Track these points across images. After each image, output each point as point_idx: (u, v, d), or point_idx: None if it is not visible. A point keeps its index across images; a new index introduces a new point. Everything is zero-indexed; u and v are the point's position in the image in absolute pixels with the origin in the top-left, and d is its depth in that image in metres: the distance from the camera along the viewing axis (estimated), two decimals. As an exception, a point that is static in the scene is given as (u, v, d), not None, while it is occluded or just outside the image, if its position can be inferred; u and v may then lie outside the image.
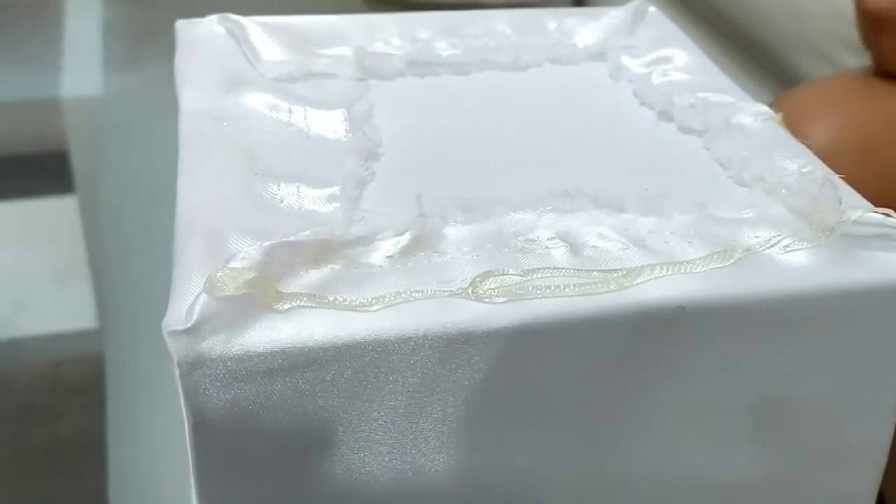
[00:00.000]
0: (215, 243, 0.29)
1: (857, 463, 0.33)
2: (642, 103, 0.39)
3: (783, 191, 0.32)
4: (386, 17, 0.43)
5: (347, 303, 0.27)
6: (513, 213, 0.31)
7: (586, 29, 0.43)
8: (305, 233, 0.29)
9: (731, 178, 0.34)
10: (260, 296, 0.26)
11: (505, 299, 0.27)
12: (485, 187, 0.32)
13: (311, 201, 0.31)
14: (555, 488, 0.30)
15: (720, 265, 0.29)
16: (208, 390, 0.26)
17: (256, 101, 0.37)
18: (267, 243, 0.28)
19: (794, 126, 0.37)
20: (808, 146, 0.35)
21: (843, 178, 0.33)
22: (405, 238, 0.29)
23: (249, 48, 0.40)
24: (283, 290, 0.27)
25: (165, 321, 0.26)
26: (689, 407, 0.30)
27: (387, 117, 0.37)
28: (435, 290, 0.27)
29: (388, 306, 0.27)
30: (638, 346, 0.28)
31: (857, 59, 0.67)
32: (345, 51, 0.40)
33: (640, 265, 0.29)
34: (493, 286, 0.28)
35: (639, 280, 0.28)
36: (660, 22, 0.45)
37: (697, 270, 0.29)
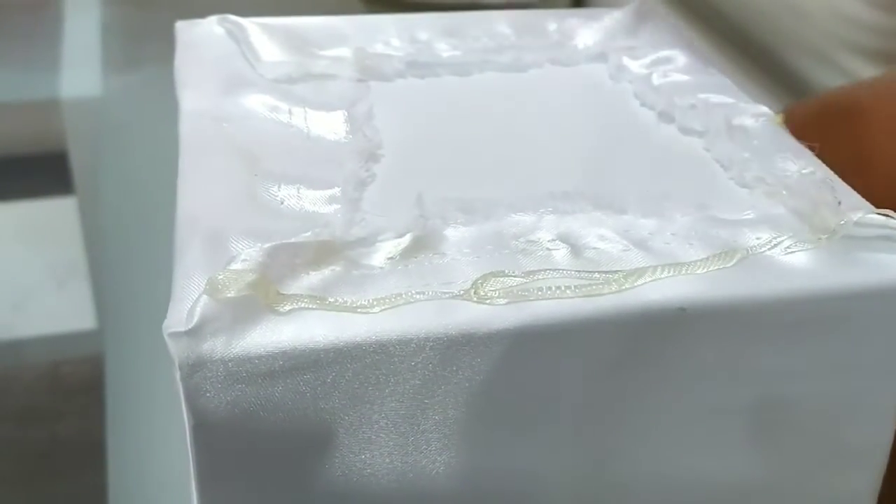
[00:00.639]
0: (216, 245, 0.29)
1: (857, 464, 0.33)
2: (643, 104, 0.39)
3: (784, 192, 0.32)
4: (386, 18, 0.43)
5: (348, 304, 0.27)
6: (513, 215, 0.31)
7: (587, 30, 0.43)
8: (306, 234, 0.29)
9: (732, 179, 0.34)
10: (261, 297, 0.26)
11: (506, 301, 0.27)
12: (485, 189, 0.32)
13: (312, 202, 0.31)
14: (556, 489, 0.30)
15: (721, 267, 0.29)
16: (209, 392, 0.26)
17: (256, 103, 0.37)
18: (267, 245, 0.28)
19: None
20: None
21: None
22: (406, 239, 0.29)
23: (249, 49, 0.40)
24: (284, 292, 0.27)
25: (166, 323, 0.26)
26: (690, 408, 0.30)
27: (387, 118, 0.37)
28: (436, 292, 0.27)
29: (389, 308, 0.27)
30: (639, 347, 0.28)
31: (857, 59, 0.67)
32: (345, 52, 0.40)
33: (640, 266, 0.29)
34: (494, 288, 0.28)
35: (640, 281, 0.28)
36: (660, 23, 0.45)
37: (698, 272, 0.29)
